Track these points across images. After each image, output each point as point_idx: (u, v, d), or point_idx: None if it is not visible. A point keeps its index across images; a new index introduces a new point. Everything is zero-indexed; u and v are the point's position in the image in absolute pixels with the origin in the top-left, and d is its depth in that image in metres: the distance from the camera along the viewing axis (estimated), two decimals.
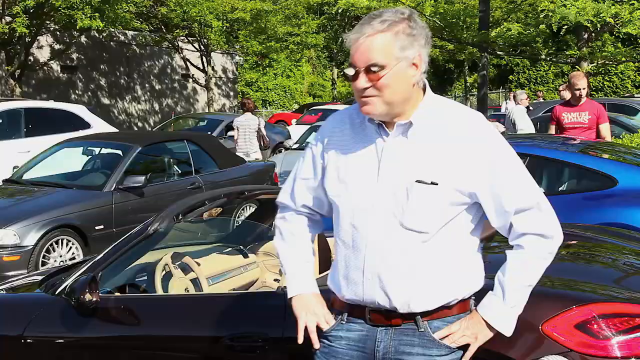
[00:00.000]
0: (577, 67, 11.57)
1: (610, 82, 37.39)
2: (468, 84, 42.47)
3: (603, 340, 3.23)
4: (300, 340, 2.80)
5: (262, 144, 14.46)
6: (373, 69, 2.45)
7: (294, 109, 38.24)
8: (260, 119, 15.22)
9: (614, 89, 37.58)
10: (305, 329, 2.82)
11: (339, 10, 12.84)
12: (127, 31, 29.20)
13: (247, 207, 9.44)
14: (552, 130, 9.02)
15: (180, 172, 10.39)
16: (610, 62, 12.41)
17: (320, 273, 4.18)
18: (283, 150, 15.93)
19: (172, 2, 24.88)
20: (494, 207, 2.57)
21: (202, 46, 28.10)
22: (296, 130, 20.29)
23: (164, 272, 4.67)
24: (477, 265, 2.70)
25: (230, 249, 5.51)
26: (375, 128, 2.61)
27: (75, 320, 4.16)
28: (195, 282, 4.81)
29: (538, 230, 2.58)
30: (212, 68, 29.16)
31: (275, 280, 5.49)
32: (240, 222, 7.39)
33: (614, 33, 14.98)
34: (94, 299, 3.99)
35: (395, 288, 2.57)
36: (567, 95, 15.53)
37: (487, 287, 2.70)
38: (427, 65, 2.56)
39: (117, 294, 4.52)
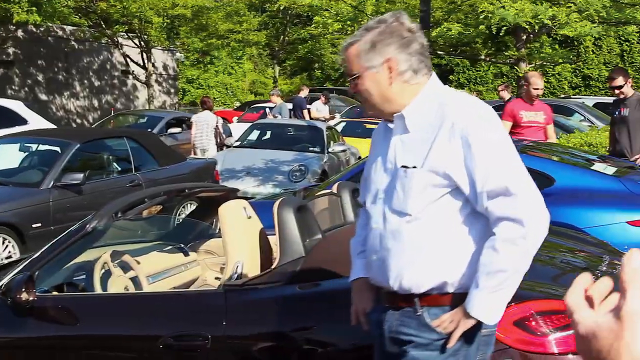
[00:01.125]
0: (516, 67, 11.73)
1: (547, 83, 37.97)
2: None
3: (541, 337, 3.30)
4: (353, 322, 3.04)
5: (218, 140, 15.29)
6: (353, 78, 2.80)
7: (235, 107, 38.06)
8: (218, 117, 15.89)
9: (551, 90, 38.19)
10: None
11: (281, 8, 12.80)
12: (65, 26, 28.74)
13: (188, 205, 9.36)
14: (508, 127, 8.98)
15: (119, 169, 10.24)
16: (548, 64, 12.62)
17: (261, 271, 4.18)
18: (224, 148, 15.89)
19: None
20: (469, 191, 2.66)
21: (142, 42, 27.79)
22: (237, 128, 20.18)
23: (102, 270, 4.61)
24: (475, 255, 2.72)
25: (170, 247, 5.47)
26: (388, 126, 2.88)
27: (11, 320, 4.09)
28: (135, 280, 4.76)
29: (510, 214, 2.61)
30: (153, 65, 28.85)
31: (216, 278, 5.46)
32: (180, 220, 7.32)
33: (551, 35, 15.28)
34: (30, 299, 3.93)
35: (388, 267, 2.77)
36: (506, 95, 15.79)
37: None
38: (411, 62, 2.76)
39: (54, 293, 4.45)
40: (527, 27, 10.19)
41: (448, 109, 2.69)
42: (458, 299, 2.72)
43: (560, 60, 12.79)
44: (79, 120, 31.05)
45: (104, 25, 27.10)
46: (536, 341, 3.35)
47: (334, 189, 4.94)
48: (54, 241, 4.38)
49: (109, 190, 9.54)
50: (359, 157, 15.64)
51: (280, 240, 4.03)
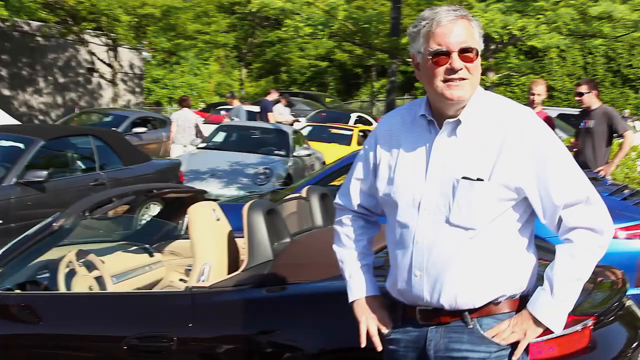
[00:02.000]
0: (483, 77, 11.80)
1: (512, 94, 38.31)
2: (375, 90, 42.90)
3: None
4: (363, 344, 2.79)
5: (198, 137, 15.58)
6: (468, 51, 2.51)
7: (200, 108, 37.95)
8: (197, 116, 16.57)
9: (516, 99, 38.45)
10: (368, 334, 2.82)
11: (252, 10, 12.77)
12: (31, 21, 28.38)
13: (151, 205, 9.29)
14: None
15: (83, 167, 10.10)
16: (515, 74, 12.73)
17: (229, 274, 4.16)
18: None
19: None
20: (541, 202, 2.55)
21: (109, 40, 27.53)
22: (203, 129, 20.13)
23: (67, 269, 4.56)
24: (528, 263, 2.67)
25: (135, 247, 5.43)
26: (426, 126, 2.66)
27: None
28: (99, 280, 4.71)
29: (588, 224, 2.54)
30: (119, 63, 28.59)
31: (180, 280, 5.43)
32: (145, 221, 7.27)
33: (517, 46, 15.40)
34: None
35: (442, 285, 2.58)
36: None
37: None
38: None
39: (17, 291, 4.39)
40: (496, 37, 10.27)
41: (507, 117, 2.58)
42: (508, 306, 2.63)
43: (527, 71, 12.88)
44: (41, 117, 30.67)
45: (71, 22, 26.78)
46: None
47: (303, 193, 4.94)
48: (18, 238, 4.33)
49: (73, 189, 9.42)
50: (323, 162, 15.66)
51: (249, 242, 4.02)
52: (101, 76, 28.44)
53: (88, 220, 4.64)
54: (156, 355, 3.81)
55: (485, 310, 2.60)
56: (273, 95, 19.72)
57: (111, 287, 4.72)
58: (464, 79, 2.52)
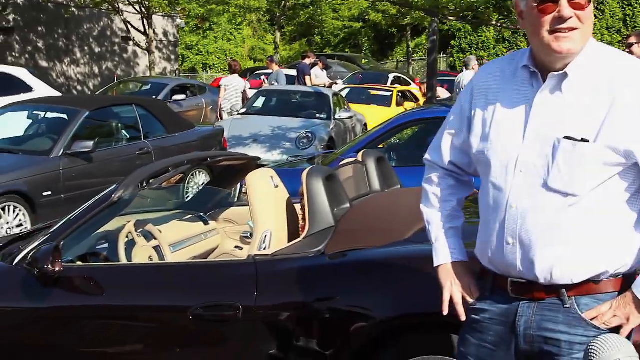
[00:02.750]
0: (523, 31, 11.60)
1: None
2: (410, 49, 42.53)
3: None
4: (446, 311, 2.61)
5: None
6: None
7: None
8: (246, 82, 16.59)
9: None
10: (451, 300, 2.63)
11: None
12: None
13: (197, 173, 9.31)
14: None
15: (128, 137, 10.17)
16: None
17: (289, 241, 4.13)
18: (218, 116, 15.95)
19: None
20: None
21: (143, 9, 27.51)
22: (249, 95, 20.18)
23: (126, 240, 4.57)
24: (637, 238, 2.38)
25: (190, 215, 5.42)
26: (528, 78, 2.41)
27: (37, 290, 4.04)
28: (157, 250, 4.72)
29: None
30: (154, 31, 28.59)
31: (236, 247, 5.43)
32: (192, 189, 7.28)
33: None
34: (57, 269, 3.88)
35: (536, 255, 2.35)
36: None
37: None
38: None
39: (78, 263, 4.40)
40: None
41: (621, 71, 2.30)
42: (611, 285, 2.36)
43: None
44: (79, 87, 30.88)
45: None
46: None
47: (359, 157, 4.88)
48: (78, 210, 4.33)
49: (119, 158, 9.53)
50: (365, 124, 15.58)
51: (310, 209, 3.98)
52: (137, 44, 28.44)
53: (145, 190, 4.63)
54: (222, 324, 3.81)
55: (584, 289, 2.35)
56: (310, 59, 19.61)
57: (170, 256, 4.73)
58: (574, 28, 2.26)
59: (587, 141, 2.26)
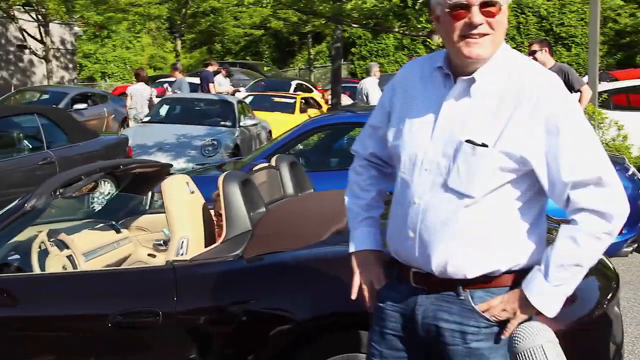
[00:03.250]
0: (428, 40, 11.87)
1: None
2: (311, 57, 42.79)
3: None
4: (354, 296, 2.71)
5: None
6: (490, 5, 2.31)
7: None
8: (152, 89, 16.38)
9: None
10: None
11: None
12: None
13: (102, 182, 9.16)
14: None
15: (30, 147, 9.95)
16: None
17: (205, 246, 4.15)
18: (125, 124, 15.84)
19: None
20: (548, 178, 2.37)
21: (39, 16, 26.90)
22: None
23: (39, 249, 4.50)
24: (532, 239, 2.48)
25: (101, 224, 5.37)
26: (442, 80, 2.49)
27: None
28: (70, 259, 4.67)
29: (597, 207, 2.34)
30: (51, 39, 27.98)
31: (149, 255, 5.41)
32: (103, 198, 7.17)
33: None
34: None
35: (432, 249, 2.44)
36: None
37: None
38: None
39: None
40: None
41: (527, 80, 2.37)
42: (505, 281, 2.46)
43: None
44: None
45: None
46: None
47: (272, 162, 4.94)
48: None
49: (21, 169, 9.29)
50: (269, 132, 15.64)
51: (227, 214, 4.00)
52: (33, 53, 27.79)
53: (56, 199, 4.57)
54: (142, 331, 3.79)
55: (478, 283, 2.45)
56: (213, 67, 19.56)
57: (83, 265, 4.68)
58: (484, 34, 2.33)
59: (487, 146, 2.34)
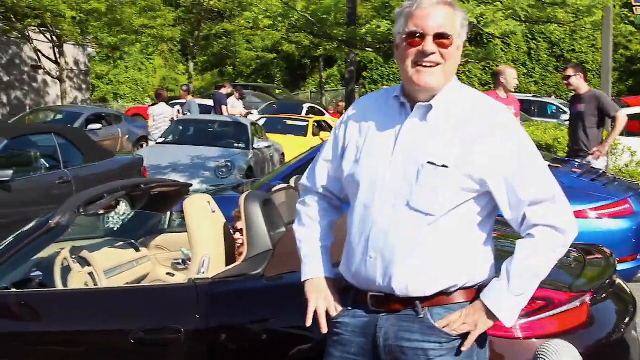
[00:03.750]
0: None
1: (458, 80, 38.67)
2: (323, 80, 42.96)
3: None
4: (309, 323, 2.79)
5: None
6: (443, 37, 2.51)
7: (147, 103, 37.59)
8: (174, 110, 16.49)
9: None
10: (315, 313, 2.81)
11: (204, 4, 12.74)
12: None
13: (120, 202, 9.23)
14: None
15: (47, 166, 10.03)
16: (472, 61, 12.89)
17: (226, 265, 4.19)
18: (145, 145, 15.90)
19: None
20: (507, 197, 2.55)
21: (54, 37, 27.11)
22: None
23: (62, 266, 4.56)
24: (485, 256, 2.66)
25: (121, 242, 5.43)
26: (398, 108, 2.65)
27: None
28: (92, 276, 4.72)
29: (552, 222, 2.55)
30: (65, 60, 28.17)
31: (167, 274, 5.46)
32: (119, 218, 7.25)
33: (469, 34, 15.51)
34: None
35: (395, 268, 2.55)
36: None
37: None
38: None
39: (13, 289, 4.37)
40: None
41: (480, 109, 2.59)
42: (461, 296, 2.61)
43: (478, 58, 13.00)
44: None
45: (14, 19, 26.32)
46: (502, 326, 3.45)
47: (291, 183, 4.99)
48: (14, 236, 4.31)
49: (38, 187, 9.36)
50: (282, 154, 15.72)
51: (248, 233, 4.05)
52: (47, 73, 27.98)
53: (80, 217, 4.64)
54: (164, 348, 3.84)
55: (436, 300, 2.59)
56: (226, 89, 19.69)
57: (104, 282, 4.74)
58: (436, 64, 2.52)
59: (447, 167, 2.50)
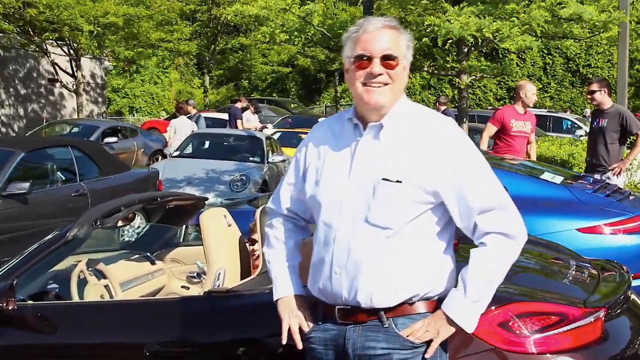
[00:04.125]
0: (457, 79, 11.96)
1: (473, 95, 38.70)
2: (338, 94, 43.06)
3: (522, 338, 3.41)
4: (284, 341, 2.92)
5: None
6: (389, 58, 2.66)
7: (162, 117, 37.74)
8: (194, 123, 16.46)
9: (477, 101, 38.94)
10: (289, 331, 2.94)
11: (222, 18, 12.83)
12: None
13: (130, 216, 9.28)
14: (492, 131, 9.25)
15: (64, 178, 10.10)
16: (488, 76, 12.90)
17: (241, 278, 4.21)
18: (160, 158, 15.97)
19: (42, 4, 24.04)
20: (457, 206, 2.69)
21: (72, 50, 27.29)
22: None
23: (78, 278, 4.59)
24: (444, 266, 2.80)
25: (137, 255, 5.46)
26: (352, 129, 2.79)
27: None
28: (107, 288, 4.75)
29: (502, 229, 2.70)
30: (82, 73, 28.34)
31: (182, 287, 5.48)
32: (134, 232, 7.29)
33: (481, 49, 15.52)
34: (11, 307, 3.90)
35: (359, 282, 2.69)
36: (442, 108, 16.26)
37: None
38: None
39: (29, 302, 4.41)
40: (471, 40, 10.43)
41: (429, 125, 2.73)
42: (423, 306, 2.75)
43: (494, 73, 13.01)
44: (3, 129, 30.34)
45: (32, 33, 26.53)
46: (518, 342, 3.45)
47: None
48: (31, 249, 4.35)
49: (54, 200, 9.42)
50: None
51: (263, 246, 4.07)
52: (64, 86, 28.16)
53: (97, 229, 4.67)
54: None
55: (400, 310, 2.72)
56: (242, 103, 19.76)
57: (120, 295, 4.76)
58: (384, 83, 2.67)
59: (401, 182, 2.64)
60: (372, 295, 2.68)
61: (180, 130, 16.09)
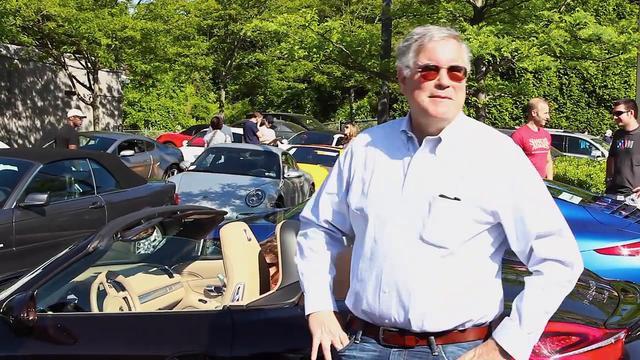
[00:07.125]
0: (475, 98, 11.97)
1: (489, 114, 38.67)
2: (353, 111, 43.14)
3: (542, 358, 3.40)
4: (314, 358, 2.76)
5: None
6: (456, 70, 2.53)
7: (178, 130, 37.85)
8: (227, 137, 16.76)
9: (493, 120, 38.92)
10: (320, 347, 2.78)
11: (241, 34, 12.91)
12: (10, 45, 28.31)
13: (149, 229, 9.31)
14: None
15: (81, 190, 10.15)
16: (505, 95, 12.92)
17: (260, 293, 4.22)
18: (176, 172, 16.02)
19: (60, 17, 24.25)
20: (515, 229, 2.56)
21: (89, 64, 27.50)
22: (187, 152, 20.20)
23: (98, 290, 4.61)
24: (496, 290, 2.68)
25: (155, 268, 5.48)
26: (405, 142, 2.66)
27: (12, 339, 4.05)
28: (125, 300, 4.77)
29: (559, 256, 2.55)
30: (99, 87, 28.54)
31: (200, 300, 5.49)
32: (150, 244, 7.32)
33: (498, 68, 15.51)
34: (32, 318, 3.91)
35: (410, 303, 2.55)
36: None
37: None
38: None
39: (49, 312, 4.43)
40: (489, 59, 10.45)
41: (491, 143, 2.60)
42: (474, 334, 2.62)
43: (512, 92, 13.02)
44: (20, 141, 30.53)
45: (50, 46, 26.75)
46: None
47: None
48: (52, 259, 4.37)
49: (72, 212, 9.46)
50: (313, 184, 15.77)
51: (283, 262, 4.08)
52: (81, 99, 28.34)
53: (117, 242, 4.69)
54: None
55: (450, 337, 2.58)
56: (257, 118, 19.83)
57: (139, 308, 4.77)
58: (449, 98, 2.53)
59: (459, 200, 2.52)
60: (425, 317, 2.54)
61: (213, 144, 16.29)
